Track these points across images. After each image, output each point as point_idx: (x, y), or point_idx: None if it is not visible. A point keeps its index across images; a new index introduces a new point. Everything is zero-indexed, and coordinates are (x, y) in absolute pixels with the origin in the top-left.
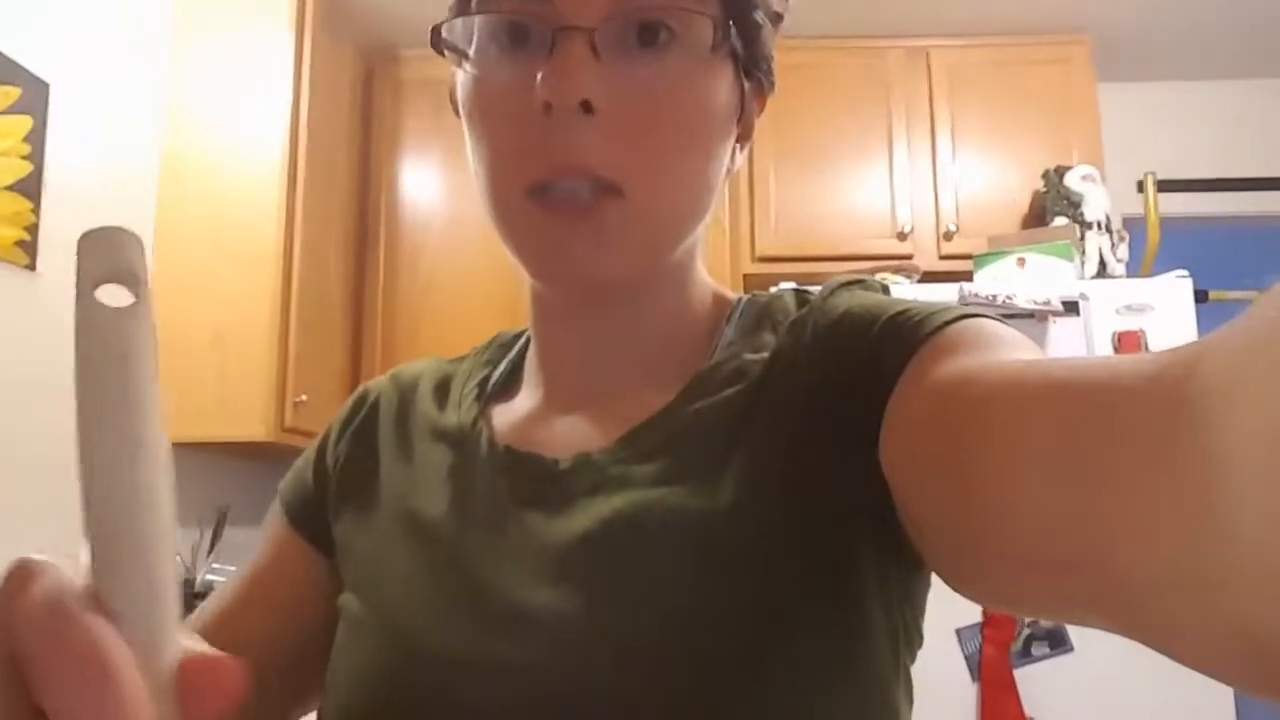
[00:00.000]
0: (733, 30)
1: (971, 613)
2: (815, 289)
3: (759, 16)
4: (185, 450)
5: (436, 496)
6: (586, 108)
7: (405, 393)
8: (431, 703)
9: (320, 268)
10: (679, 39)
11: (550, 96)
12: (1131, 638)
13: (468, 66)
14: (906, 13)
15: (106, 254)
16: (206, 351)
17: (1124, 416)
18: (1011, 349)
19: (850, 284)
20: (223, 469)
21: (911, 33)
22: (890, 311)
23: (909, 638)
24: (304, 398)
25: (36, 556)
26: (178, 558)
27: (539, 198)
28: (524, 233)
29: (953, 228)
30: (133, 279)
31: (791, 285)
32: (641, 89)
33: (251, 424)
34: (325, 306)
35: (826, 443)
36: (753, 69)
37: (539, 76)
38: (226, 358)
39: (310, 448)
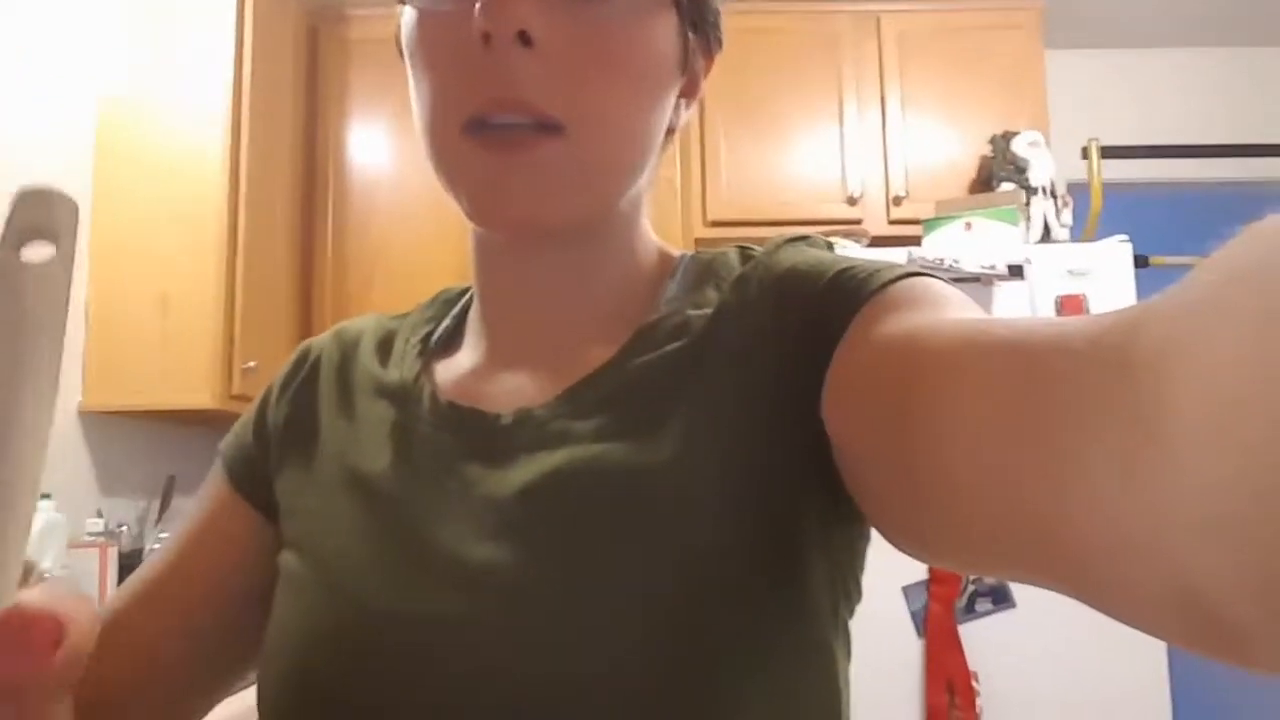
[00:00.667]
0: None
1: (917, 570)
2: (760, 247)
3: None
4: (131, 419)
5: (378, 453)
6: (524, 39)
7: (347, 349)
8: (372, 658)
9: (267, 230)
10: None
11: (488, 25)
12: (1073, 596)
13: (411, 3)
14: None
15: (35, 212)
16: (151, 316)
17: (1068, 377)
18: (956, 308)
19: (795, 240)
20: (170, 437)
21: None
22: (835, 268)
23: (848, 592)
24: (252, 364)
25: None
26: (124, 527)
27: (476, 135)
28: (460, 170)
29: (902, 193)
30: (56, 238)
31: (736, 244)
32: (582, 25)
33: (198, 392)
34: (272, 269)
35: (769, 399)
36: (699, 22)
37: (477, 6)
38: (171, 323)
39: (251, 406)
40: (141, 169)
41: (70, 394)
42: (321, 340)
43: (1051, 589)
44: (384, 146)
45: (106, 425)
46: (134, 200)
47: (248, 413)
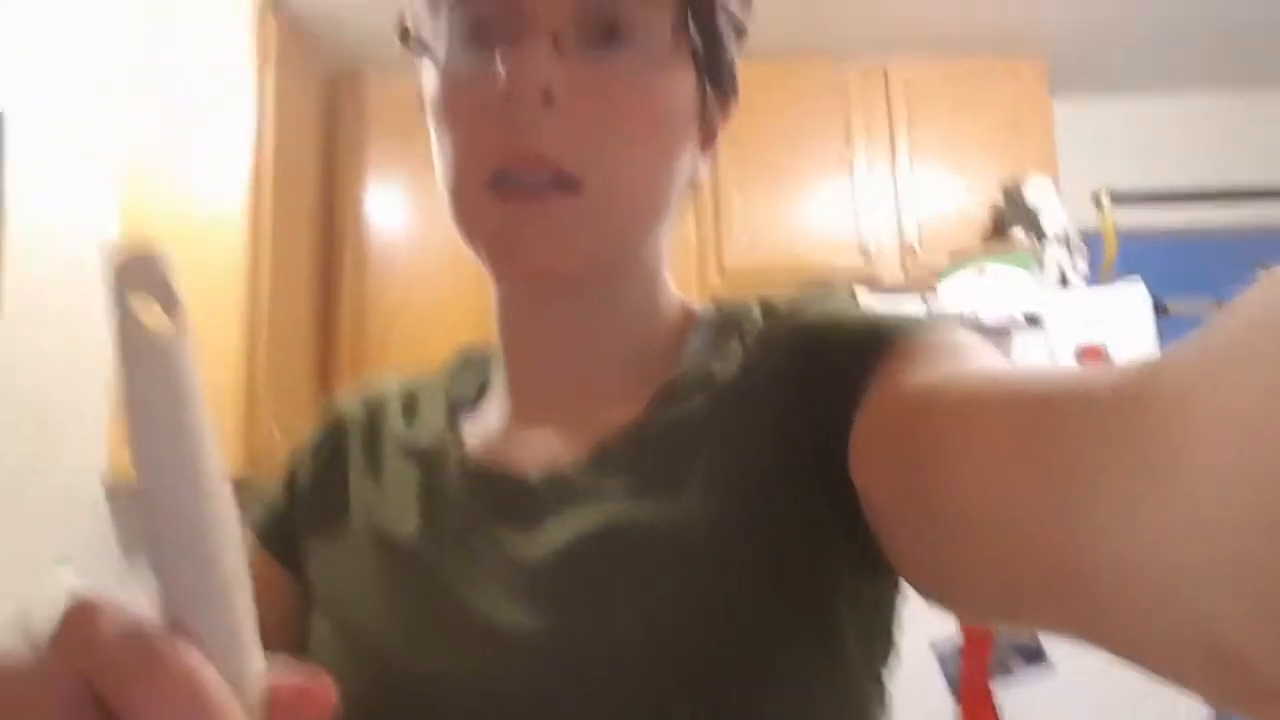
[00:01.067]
0: (692, 30)
1: (949, 628)
2: (781, 299)
3: (720, 22)
4: None
5: (406, 514)
6: (546, 97)
7: (374, 411)
8: (400, 719)
9: (287, 297)
10: (639, 37)
11: (511, 85)
12: (1103, 648)
13: (434, 62)
14: (863, 29)
15: (140, 274)
16: None
17: (1089, 421)
18: (978, 357)
19: (817, 292)
20: None
21: (869, 49)
22: (859, 320)
23: (883, 647)
24: (275, 432)
25: (92, 594)
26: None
27: (497, 190)
28: (479, 224)
29: (915, 242)
30: (173, 305)
31: (758, 297)
32: (601, 82)
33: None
34: (293, 334)
35: (795, 452)
36: (715, 74)
37: (501, 67)
38: None
39: (281, 469)
40: (163, 238)
41: (94, 462)
42: (348, 401)
43: (1079, 639)
44: (402, 208)
45: (130, 497)
46: None
47: (277, 475)
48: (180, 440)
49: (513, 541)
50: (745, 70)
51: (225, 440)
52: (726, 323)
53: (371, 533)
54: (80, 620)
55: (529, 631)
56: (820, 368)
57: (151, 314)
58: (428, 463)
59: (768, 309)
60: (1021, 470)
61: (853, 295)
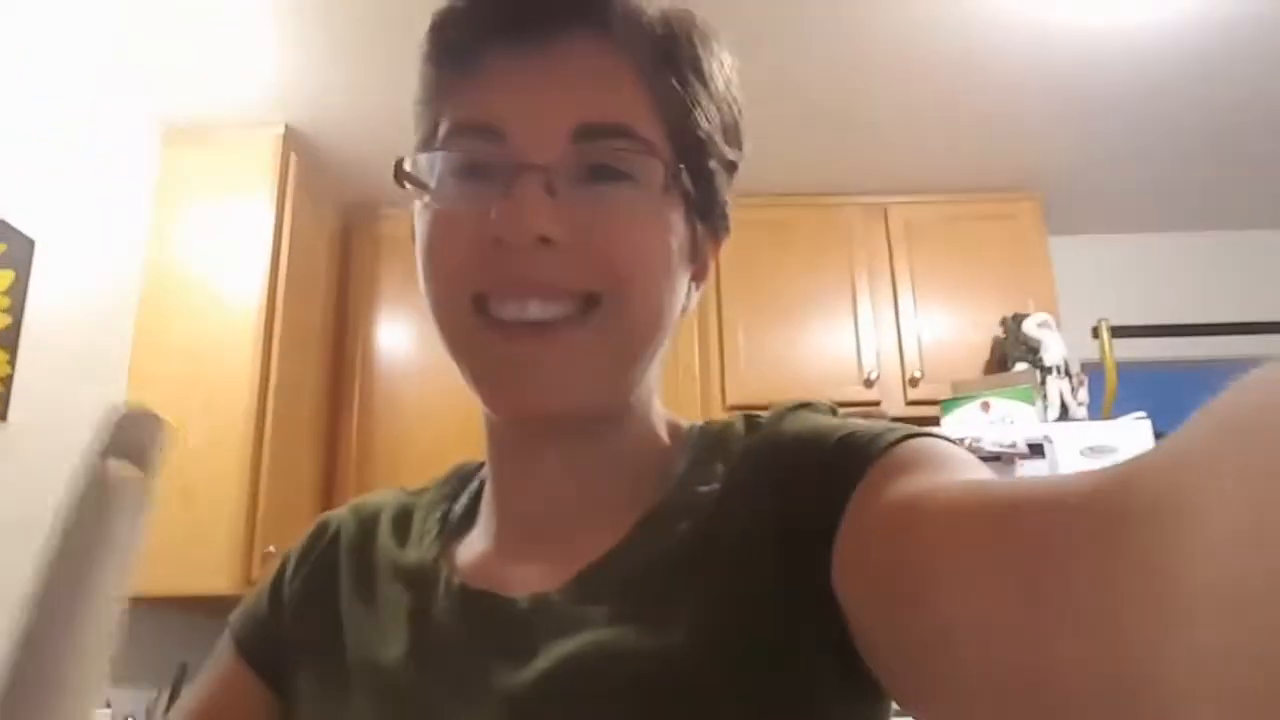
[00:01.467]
0: (684, 173)
1: None
2: (765, 415)
3: (711, 164)
4: (144, 605)
5: (394, 639)
6: (544, 241)
7: (366, 525)
8: None
9: (293, 420)
10: (632, 178)
11: (503, 233)
12: None
13: (427, 199)
14: (863, 171)
15: (127, 431)
16: (175, 507)
17: (1066, 535)
18: (959, 469)
19: (799, 408)
20: (182, 625)
21: (869, 190)
22: (837, 435)
23: None
24: (272, 548)
25: None
26: (131, 718)
27: (490, 323)
28: (476, 358)
29: (917, 374)
30: (142, 460)
31: (742, 414)
32: (597, 220)
33: (216, 577)
34: (297, 460)
35: (780, 574)
36: (706, 212)
37: (492, 212)
38: (193, 514)
39: (266, 578)
40: (176, 369)
41: None
42: (340, 514)
43: None
44: (411, 339)
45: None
46: (166, 397)
47: (261, 583)
48: (80, 570)
49: (499, 668)
50: (751, 211)
51: (223, 560)
52: (712, 442)
53: (359, 659)
54: None
55: None
56: (801, 488)
57: (125, 469)
58: (417, 585)
59: (751, 425)
60: (999, 589)
61: (833, 410)
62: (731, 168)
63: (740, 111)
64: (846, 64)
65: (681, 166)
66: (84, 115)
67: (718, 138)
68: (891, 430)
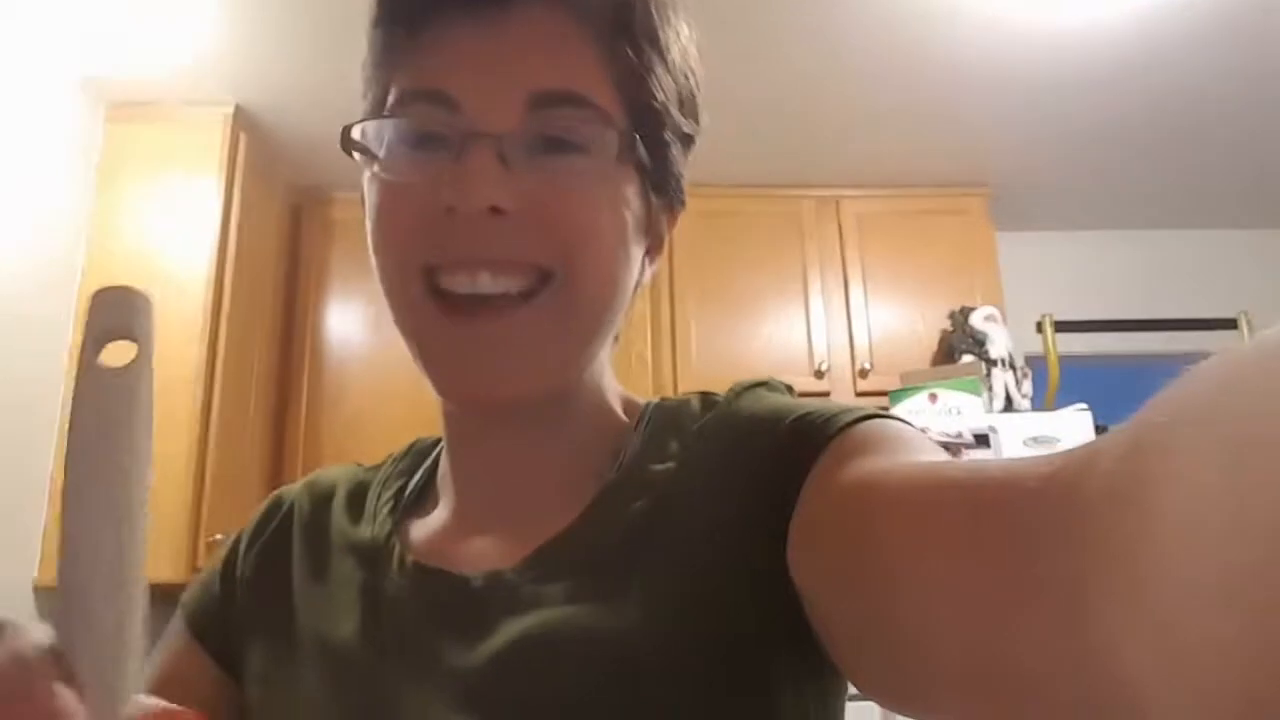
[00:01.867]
0: (639, 144)
1: None
2: (722, 393)
3: (667, 135)
4: None
5: (346, 615)
6: (495, 212)
7: (319, 502)
8: None
9: (240, 407)
10: (586, 148)
11: (455, 201)
12: None
13: (376, 168)
14: (817, 164)
15: (112, 313)
16: None
17: (1022, 518)
18: (914, 450)
19: (754, 386)
20: None
21: (822, 183)
22: (795, 414)
23: None
24: (219, 537)
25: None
26: None
27: (439, 300)
28: (424, 339)
29: (867, 365)
30: (135, 338)
31: (699, 391)
32: (549, 191)
33: (159, 566)
34: (244, 447)
35: (735, 551)
36: (661, 184)
37: (444, 181)
38: None
39: (217, 556)
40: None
41: (26, 568)
42: (293, 490)
43: None
44: (361, 326)
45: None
46: None
47: (213, 562)
48: (104, 479)
49: (452, 646)
50: (705, 202)
51: (167, 548)
52: (667, 419)
53: (311, 635)
54: None
55: None
56: (756, 467)
57: (117, 349)
58: (369, 561)
59: (707, 403)
60: (956, 574)
61: (789, 389)
62: (688, 140)
63: (698, 84)
64: (802, 59)
65: (637, 137)
66: (23, 89)
67: (673, 108)
68: (847, 411)
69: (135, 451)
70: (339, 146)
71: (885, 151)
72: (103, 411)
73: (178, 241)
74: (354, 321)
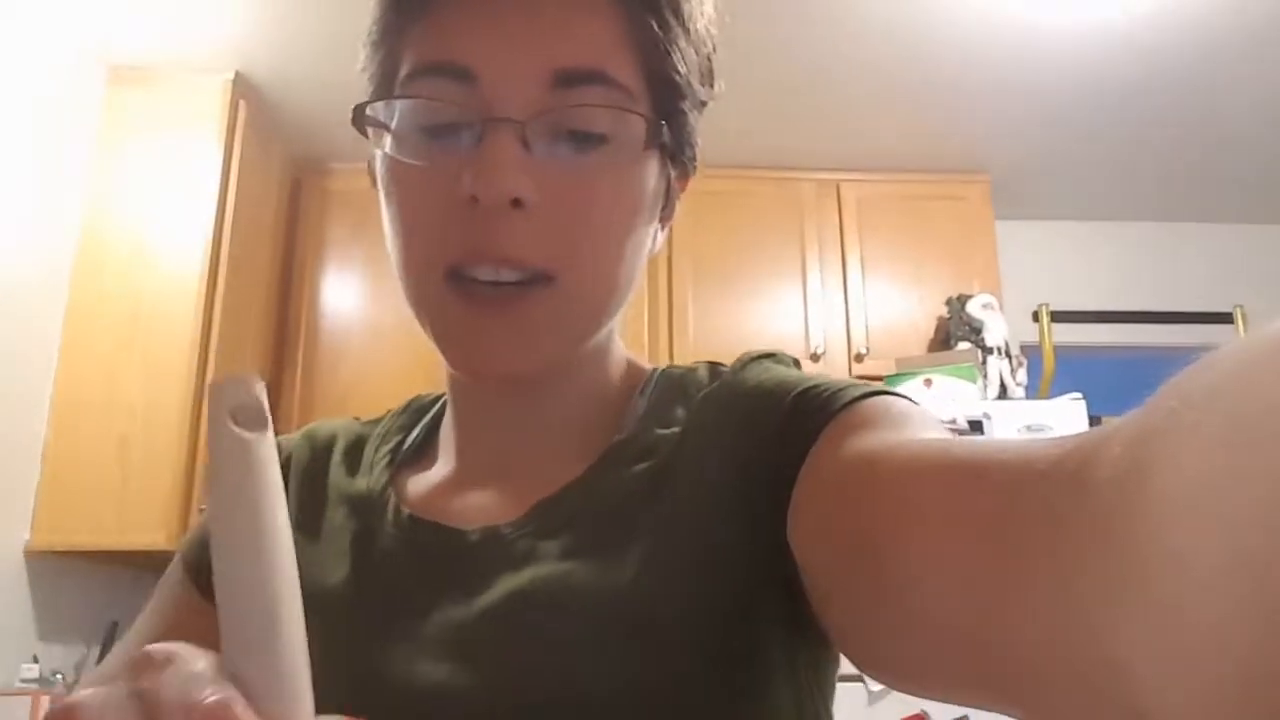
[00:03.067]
0: (664, 129)
1: None
2: (729, 363)
3: (685, 105)
4: (78, 560)
5: (337, 565)
6: (517, 204)
7: (318, 452)
8: None
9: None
10: (610, 138)
11: (477, 192)
12: None
13: (389, 147)
14: (818, 147)
15: (236, 394)
16: (110, 458)
17: (1030, 501)
18: (919, 427)
19: (762, 357)
20: (115, 582)
21: (824, 166)
22: (800, 387)
23: (816, 716)
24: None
25: (161, 645)
26: (60, 675)
27: (459, 287)
28: (443, 323)
29: (863, 349)
30: (260, 416)
31: (706, 360)
32: (573, 183)
33: (153, 532)
34: None
35: (735, 521)
36: (678, 155)
37: (467, 171)
38: (130, 465)
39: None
40: (115, 307)
41: (17, 532)
42: (293, 440)
43: (1014, 716)
44: (357, 295)
45: (52, 566)
46: (104, 345)
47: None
48: (255, 521)
49: (443, 598)
50: (705, 182)
51: (159, 515)
52: (674, 386)
53: (302, 583)
54: (141, 668)
55: (452, 690)
56: (760, 437)
57: (240, 425)
58: (363, 512)
59: (714, 371)
60: (962, 555)
61: (795, 362)
62: (703, 106)
63: (715, 49)
64: (809, 42)
65: (662, 124)
66: (24, 49)
67: (694, 80)
68: (854, 386)
69: (277, 508)
70: (342, 120)
71: (887, 136)
72: (245, 473)
73: (175, 208)
74: (350, 292)
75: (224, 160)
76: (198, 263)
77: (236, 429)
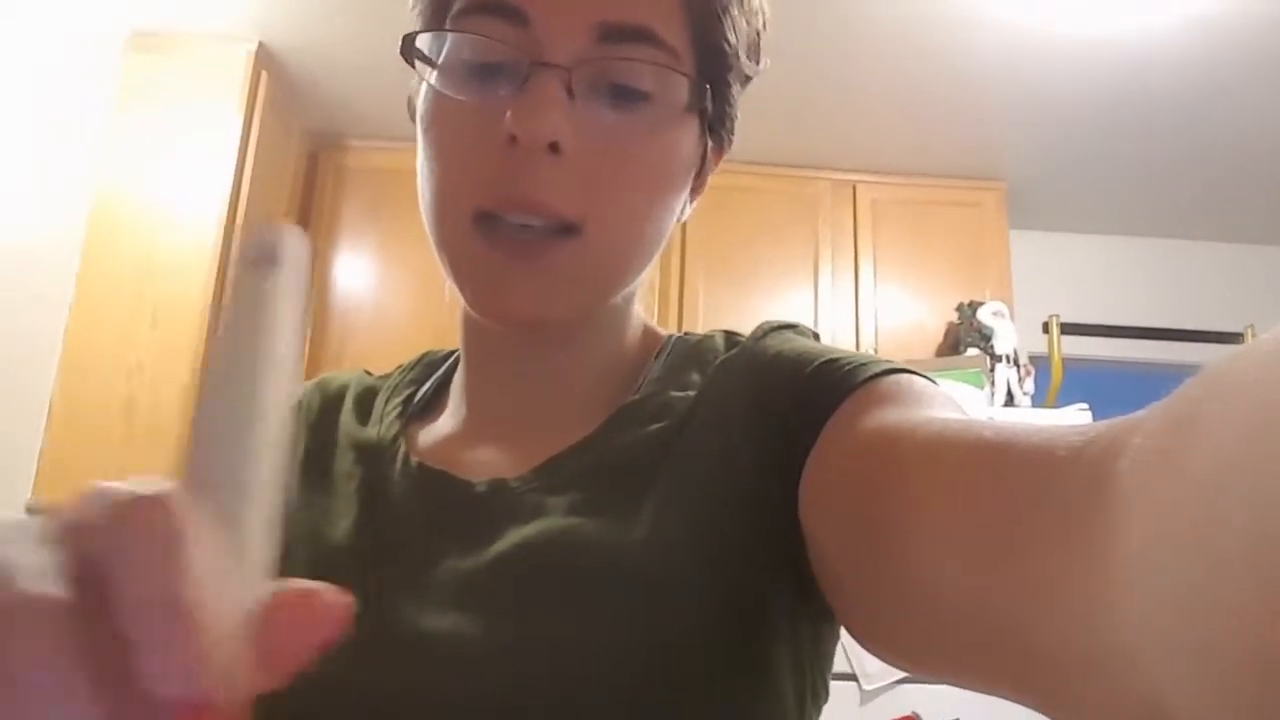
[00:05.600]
0: (708, 94)
1: None
2: (746, 333)
3: (730, 77)
4: None
5: (344, 513)
6: (554, 149)
7: (329, 401)
8: None
9: None
10: (652, 95)
11: (519, 132)
12: (1043, 711)
13: (434, 80)
14: (835, 147)
15: (263, 240)
16: (116, 423)
17: (1048, 490)
18: (939, 407)
19: (781, 328)
20: None
21: (840, 166)
22: (821, 358)
23: (814, 689)
24: None
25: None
26: None
27: (486, 230)
28: (466, 264)
29: (872, 351)
30: (271, 255)
31: (722, 329)
32: (611, 136)
33: None
34: None
35: (745, 487)
36: (716, 127)
37: (509, 111)
38: (136, 427)
39: None
40: (127, 270)
41: (20, 491)
42: (305, 387)
43: (1019, 701)
44: (368, 272)
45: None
46: (115, 301)
47: None
48: (247, 365)
49: (450, 548)
50: (720, 176)
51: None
52: (690, 351)
53: (305, 536)
54: (89, 499)
55: (455, 638)
56: (778, 405)
57: (251, 263)
58: (372, 460)
59: (731, 341)
60: (979, 540)
61: (815, 335)
62: (747, 80)
63: (765, 24)
64: (831, 43)
65: (707, 88)
66: (45, 9)
67: (742, 51)
68: (876, 362)
69: (276, 350)
70: (361, 98)
71: (906, 139)
72: (247, 310)
73: (192, 176)
74: (361, 271)
75: (243, 130)
76: (212, 232)
77: (242, 265)
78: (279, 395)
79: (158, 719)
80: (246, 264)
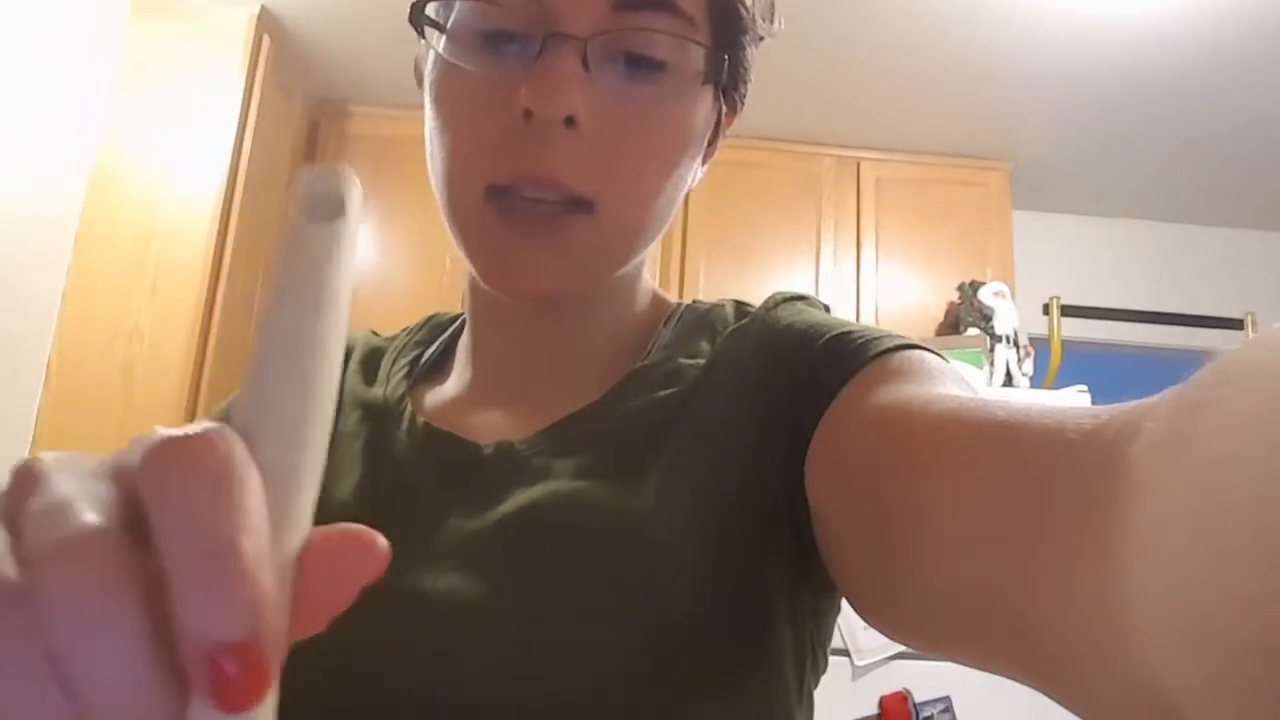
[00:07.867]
0: (725, 64)
1: (867, 706)
2: (757, 304)
3: (745, 40)
4: None
5: (348, 473)
6: (569, 123)
7: None
8: (320, 687)
9: (243, 313)
10: (668, 66)
11: (534, 106)
12: (1046, 693)
13: (444, 47)
14: (841, 124)
15: (329, 190)
16: (115, 384)
17: (1059, 473)
18: (951, 384)
19: (793, 300)
20: None
21: (844, 143)
22: (832, 331)
23: (814, 659)
24: None
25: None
26: None
27: (499, 204)
28: (479, 239)
29: None
30: (330, 206)
31: (732, 299)
32: (627, 110)
33: None
34: (244, 353)
35: (753, 456)
36: (731, 90)
37: (525, 85)
38: (134, 398)
39: (222, 407)
40: (128, 234)
41: (16, 453)
42: None
43: (1022, 681)
44: (370, 239)
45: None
46: (114, 266)
47: (218, 411)
48: (304, 306)
49: (455, 508)
50: (723, 152)
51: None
52: (699, 320)
53: None
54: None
55: (457, 597)
56: (787, 376)
57: (306, 213)
58: (377, 419)
59: (741, 311)
60: (988, 521)
61: (826, 307)
62: (759, 40)
63: None
64: (842, 20)
65: (724, 57)
66: None
67: (758, 15)
68: (888, 336)
69: (332, 294)
70: (363, 64)
71: (911, 117)
72: (304, 255)
73: (193, 140)
74: (364, 238)
75: (244, 95)
76: (212, 197)
77: (306, 215)
78: (338, 347)
79: (201, 662)
80: (312, 214)
